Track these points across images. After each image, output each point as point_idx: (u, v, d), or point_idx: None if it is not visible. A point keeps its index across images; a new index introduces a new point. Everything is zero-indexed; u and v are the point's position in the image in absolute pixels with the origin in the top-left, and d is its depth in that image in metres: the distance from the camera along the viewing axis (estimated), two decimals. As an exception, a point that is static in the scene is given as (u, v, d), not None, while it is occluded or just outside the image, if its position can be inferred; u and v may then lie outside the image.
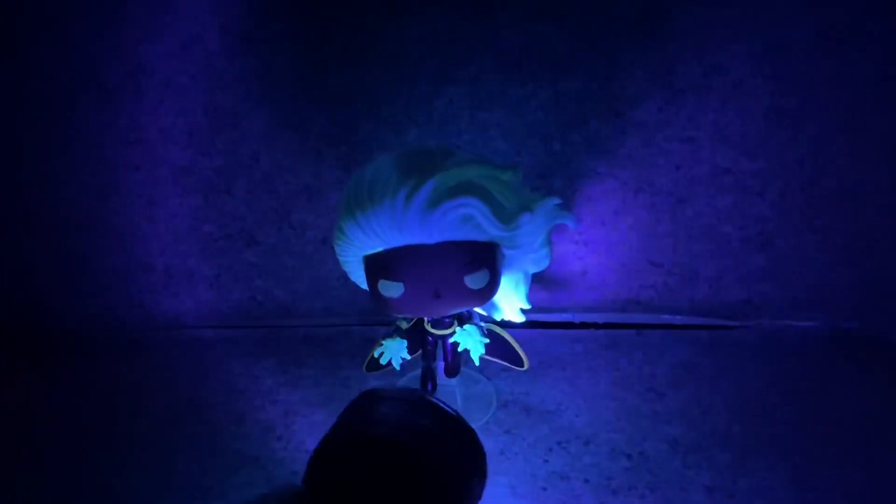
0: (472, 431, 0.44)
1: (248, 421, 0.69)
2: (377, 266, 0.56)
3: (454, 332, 0.63)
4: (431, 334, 0.65)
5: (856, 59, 0.72)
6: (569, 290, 0.85)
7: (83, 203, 0.84)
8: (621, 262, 0.84)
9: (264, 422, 0.69)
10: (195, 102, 0.78)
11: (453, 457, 0.42)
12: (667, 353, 0.80)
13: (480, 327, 0.64)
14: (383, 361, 0.64)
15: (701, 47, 0.72)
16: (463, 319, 0.64)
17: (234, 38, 0.75)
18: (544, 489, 0.59)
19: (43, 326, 0.90)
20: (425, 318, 0.64)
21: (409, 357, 0.65)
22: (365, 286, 0.61)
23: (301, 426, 0.68)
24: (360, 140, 0.79)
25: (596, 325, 0.86)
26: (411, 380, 0.72)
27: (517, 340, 0.68)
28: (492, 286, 0.57)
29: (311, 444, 0.46)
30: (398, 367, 0.65)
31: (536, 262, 0.61)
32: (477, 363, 0.64)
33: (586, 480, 0.59)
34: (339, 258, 0.60)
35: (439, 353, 0.67)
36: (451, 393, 0.70)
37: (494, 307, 0.65)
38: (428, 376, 0.68)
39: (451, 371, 0.68)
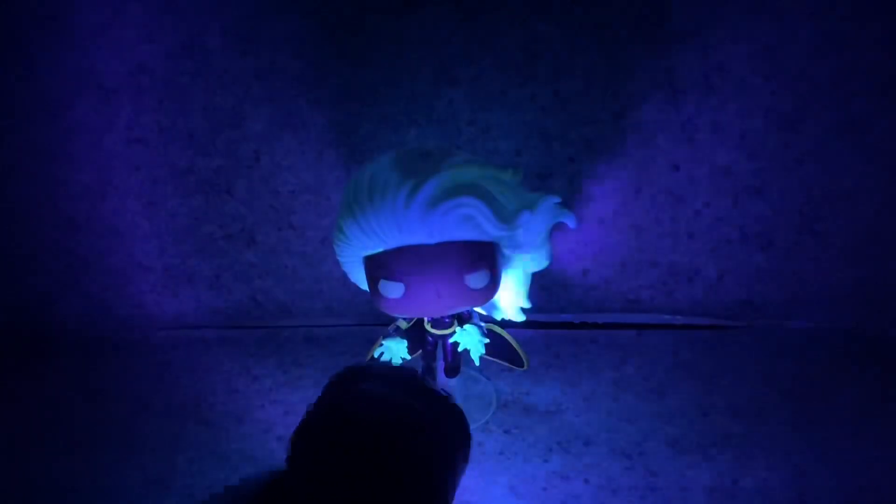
0: (455, 407, 0.44)
1: (248, 421, 0.70)
2: (377, 266, 0.56)
3: (454, 332, 0.63)
4: (431, 334, 0.65)
5: (856, 59, 0.72)
6: (569, 290, 0.85)
7: (83, 203, 0.84)
8: (621, 262, 0.84)
9: (264, 422, 0.69)
10: (195, 102, 0.78)
11: (436, 432, 0.41)
12: (667, 353, 0.80)
13: (480, 327, 0.64)
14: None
15: (701, 47, 0.72)
16: (463, 319, 0.64)
17: (234, 38, 0.75)
18: (544, 489, 0.59)
19: (43, 326, 0.90)
20: (425, 318, 0.64)
21: (409, 357, 0.65)
22: (365, 286, 0.61)
23: (301, 426, 0.68)
24: (360, 140, 0.79)
25: (596, 325, 0.86)
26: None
27: (517, 340, 0.68)
28: (492, 286, 0.57)
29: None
30: (398, 367, 0.65)
31: (536, 261, 0.61)
32: (477, 363, 0.64)
33: (586, 480, 0.59)
34: (339, 258, 0.60)
35: (439, 353, 0.67)
36: (451, 393, 0.70)
37: (494, 307, 0.65)
38: (428, 376, 0.68)
39: (451, 371, 0.68)
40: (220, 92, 0.77)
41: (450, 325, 0.64)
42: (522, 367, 0.69)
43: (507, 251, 0.58)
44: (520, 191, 0.57)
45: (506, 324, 0.67)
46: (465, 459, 0.44)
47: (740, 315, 0.85)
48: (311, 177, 0.81)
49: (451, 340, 0.64)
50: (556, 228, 0.59)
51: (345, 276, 0.63)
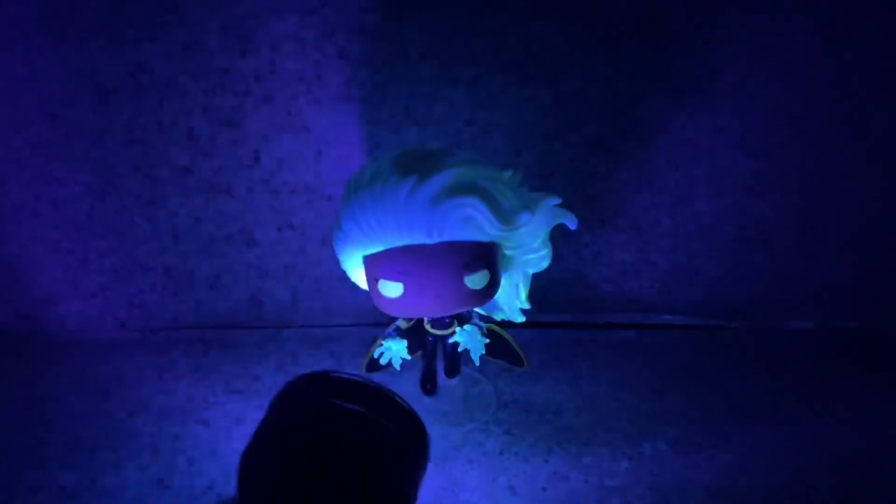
0: (415, 418, 0.41)
1: (248, 421, 0.69)
2: (377, 266, 0.56)
3: (454, 332, 0.63)
4: (431, 334, 0.65)
5: (856, 59, 0.72)
6: (569, 290, 0.85)
7: (83, 203, 0.84)
8: (621, 262, 0.84)
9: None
10: (195, 102, 0.78)
11: (398, 448, 0.39)
12: (667, 353, 0.80)
13: (480, 327, 0.64)
14: (383, 362, 0.64)
15: (701, 47, 0.72)
16: (463, 319, 0.64)
17: (234, 38, 0.75)
18: (544, 489, 0.59)
19: (43, 326, 0.90)
20: (425, 318, 0.64)
21: (408, 357, 0.65)
22: (365, 286, 0.61)
23: (301, 426, 0.68)
24: (360, 140, 0.79)
25: (596, 325, 0.86)
26: (411, 380, 0.72)
27: (517, 340, 0.68)
28: (492, 286, 0.57)
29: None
30: (398, 368, 0.65)
31: (537, 262, 0.61)
32: (477, 363, 0.64)
33: (586, 480, 0.59)
34: (339, 258, 0.60)
35: (439, 352, 0.67)
36: (451, 393, 0.70)
37: (495, 307, 0.65)
38: (428, 376, 0.68)
39: (451, 371, 0.68)
40: (220, 92, 0.77)
41: (450, 325, 0.64)
42: (522, 367, 0.69)
43: (507, 251, 0.58)
44: (520, 191, 0.57)
45: (506, 324, 0.67)
46: (424, 469, 0.42)
47: (740, 315, 0.85)
48: (311, 177, 0.81)
49: (451, 340, 0.64)
50: (557, 229, 0.59)
51: (345, 276, 0.63)
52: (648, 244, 0.82)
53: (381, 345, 0.64)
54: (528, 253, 0.59)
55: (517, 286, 0.63)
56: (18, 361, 0.85)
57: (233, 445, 0.66)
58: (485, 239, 0.55)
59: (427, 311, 0.60)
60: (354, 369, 0.76)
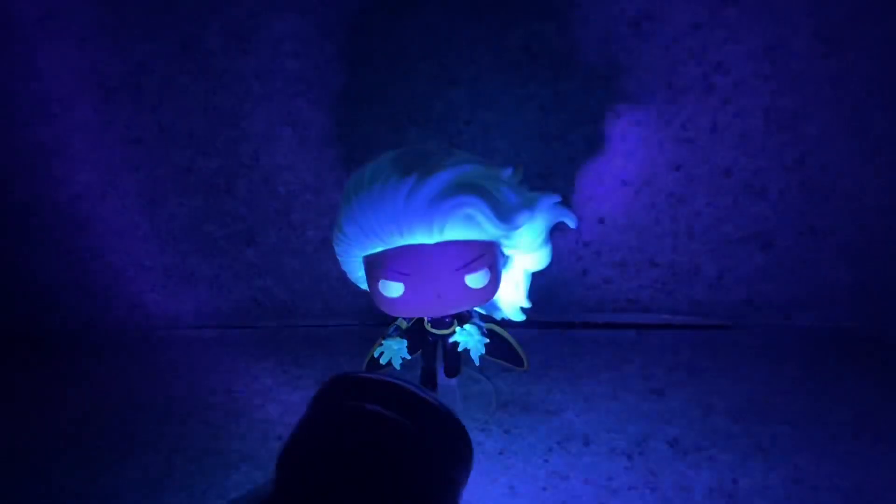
0: (452, 418, 0.41)
1: (248, 421, 0.69)
2: (377, 266, 0.56)
3: (454, 332, 0.63)
4: (431, 334, 0.65)
5: (856, 59, 0.72)
6: (569, 290, 0.85)
7: (83, 203, 0.84)
8: (621, 262, 0.84)
9: (264, 422, 0.69)
10: (195, 102, 0.78)
11: (432, 449, 0.39)
12: (667, 353, 0.80)
13: (480, 327, 0.64)
14: (383, 361, 0.64)
15: (701, 47, 0.72)
16: (463, 319, 0.64)
17: (234, 38, 0.75)
18: (544, 489, 0.59)
19: (43, 326, 0.90)
20: (425, 318, 0.64)
21: (409, 357, 0.65)
22: (365, 286, 0.61)
23: (301, 426, 0.68)
24: (360, 140, 0.79)
25: (596, 325, 0.86)
26: (411, 380, 0.72)
27: (517, 340, 0.68)
28: (492, 286, 0.57)
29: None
30: (398, 367, 0.65)
31: (536, 261, 0.61)
32: (477, 363, 0.64)
33: (586, 480, 0.59)
34: (339, 258, 0.60)
35: (439, 352, 0.67)
36: (451, 393, 0.70)
37: (495, 307, 0.65)
38: (428, 376, 0.68)
39: (451, 371, 0.68)
40: (220, 92, 0.77)
41: (450, 325, 0.64)
42: (522, 367, 0.69)
43: (507, 251, 0.58)
44: (520, 190, 0.57)
45: (506, 324, 0.67)
46: (467, 472, 0.42)
47: (740, 315, 0.85)
48: (311, 177, 0.81)
49: (451, 340, 0.64)
50: (557, 228, 0.59)
51: (345, 276, 0.63)
52: (648, 244, 0.82)
53: (382, 344, 0.64)
54: (528, 252, 0.59)
55: (517, 285, 0.63)
56: (19, 361, 0.85)
57: (233, 445, 0.66)
58: (485, 238, 0.55)
59: (427, 310, 0.60)
60: (354, 369, 0.77)
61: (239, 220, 0.84)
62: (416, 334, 0.66)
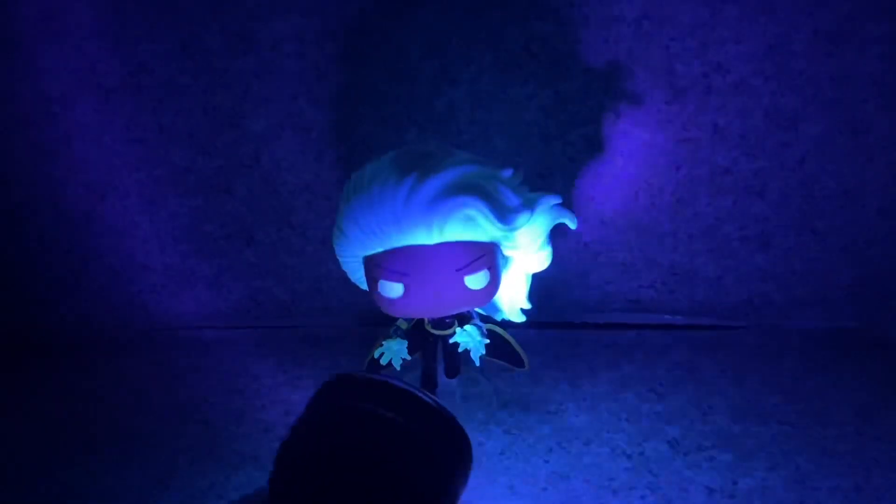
0: (451, 420, 0.41)
1: (248, 421, 0.69)
2: (377, 266, 0.56)
3: (454, 333, 0.63)
4: (432, 334, 0.65)
5: (856, 59, 0.72)
6: (569, 290, 0.85)
7: (83, 203, 0.84)
8: (621, 262, 0.84)
9: (264, 422, 0.69)
10: (195, 102, 0.78)
11: (430, 451, 0.39)
12: (667, 353, 0.80)
13: (481, 327, 0.64)
14: (383, 362, 0.64)
15: (701, 47, 0.72)
16: (463, 319, 0.64)
17: (234, 38, 0.75)
18: (544, 489, 0.59)
19: (43, 326, 0.90)
20: (425, 318, 0.64)
21: (409, 357, 0.65)
22: (365, 286, 0.61)
23: (301, 426, 0.68)
24: (360, 140, 0.79)
25: (596, 325, 0.86)
26: (411, 380, 0.72)
27: (517, 340, 0.68)
28: (492, 287, 0.57)
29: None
30: (398, 368, 0.65)
31: (537, 262, 0.61)
32: (477, 363, 0.64)
33: (586, 480, 0.59)
34: (339, 258, 0.60)
35: (439, 353, 0.67)
36: (451, 393, 0.70)
37: (495, 307, 0.65)
38: (428, 376, 0.68)
39: (451, 371, 0.68)
40: (220, 92, 0.77)
41: (450, 326, 0.64)
42: (522, 367, 0.69)
43: (507, 251, 0.58)
44: (520, 191, 0.57)
45: (506, 324, 0.67)
46: (465, 475, 0.42)
47: (740, 315, 0.85)
48: (311, 177, 0.81)
49: (451, 341, 0.64)
50: (557, 228, 0.59)
51: (345, 276, 0.63)
52: (648, 244, 0.82)
53: (382, 345, 0.64)
54: (529, 253, 0.59)
55: (517, 286, 0.63)
56: (19, 361, 0.85)
57: (233, 445, 0.65)
58: (485, 239, 0.55)
59: (427, 311, 0.60)
60: (354, 370, 0.76)
61: (239, 220, 0.84)
62: (417, 335, 0.66)
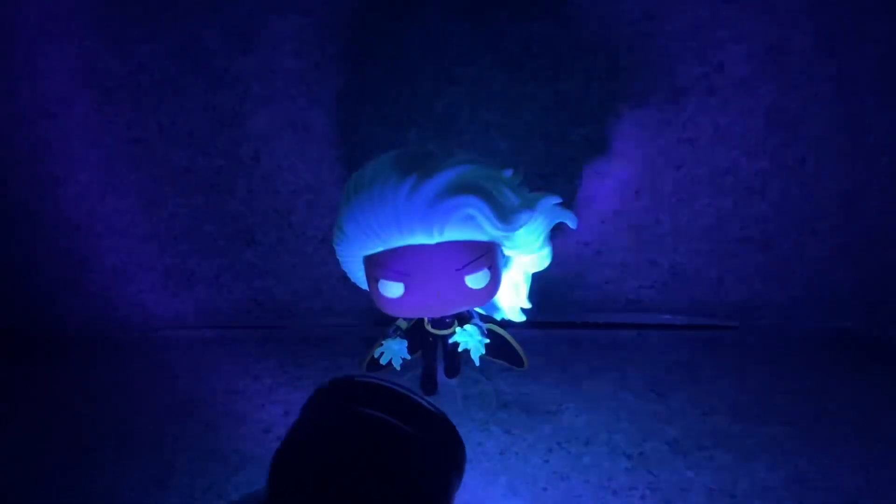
0: (447, 423, 0.41)
1: (248, 421, 0.69)
2: (377, 266, 0.56)
3: (454, 332, 0.63)
4: (432, 334, 0.65)
5: (856, 59, 0.72)
6: (569, 290, 0.85)
7: (83, 203, 0.84)
8: (621, 262, 0.84)
9: (264, 422, 0.69)
10: (195, 102, 0.78)
11: (428, 454, 0.39)
12: (667, 353, 0.80)
13: (481, 327, 0.64)
14: (383, 361, 0.64)
15: (701, 47, 0.72)
16: (463, 319, 0.64)
17: (234, 38, 0.75)
18: (544, 489, 0.59)
19: (43, 326, 0.90)
20: (425, 318, 0.64)
21: (409, 357, 0.65)
22: (365, 286, 0.61)
23: (301, 426, 0.68)
24: (360, 140, 0.79)
25: (596, 325, 0.86)
26: (411, 380, 0.72)
27: (517, 340, 0.68)
28: (492, 286, 0.57)
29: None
30: (398, 368, 0.65)
31: (537, 261, 0.61)
32: (477, 363, 0.64)
33: (586, 480, 0.59)
34: (340, 258, 0.60)
35: (439, 353, 0.67)
36: (451, 393, 0.70)
37: (495, 307, 0.65)
38: (428, 376, 0.68)
39: (451, 371, 0.68)
40: (220, 92, 0.77)
41: (450, 325, 0.64)
42: (522, 367, 0.69)
43: (507, 251, 0.58)
44: (520, 191, 0.57)
45: (506, 324, 0.67)
46: (459, 477, 0.42)
47: (740, 315, 0.85)
48: (311, 177, 0.81)
49: (451, 340, 0.64)
50: (557, 228, 0.59)
51: (345, 276, 0.63)
52: (648, 244, 0.82)
53: (382, 345, 0.64)
54: (529, 252, 0.59)
55: (517, 286, 0.63)
56: (18, 361, 0.85)
57: (233, 445, 0.65)
58: (485, 239, 0.55)
59: (428, 311, 0.60)
60: (354, 369, 0.77)
61: (239, 220, 0.84)
62: (417, 334, 0.66)
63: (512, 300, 0.64)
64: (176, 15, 0.74)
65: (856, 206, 0.78)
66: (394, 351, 0.64)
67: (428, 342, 0.66)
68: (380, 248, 0.55)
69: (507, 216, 0.54)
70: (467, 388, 0.72)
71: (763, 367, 0.76)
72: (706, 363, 0.77)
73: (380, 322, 0.66)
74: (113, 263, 0.87)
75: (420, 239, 0.53)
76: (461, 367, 0.69)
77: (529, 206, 0.55)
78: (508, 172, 0.56)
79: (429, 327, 0.64)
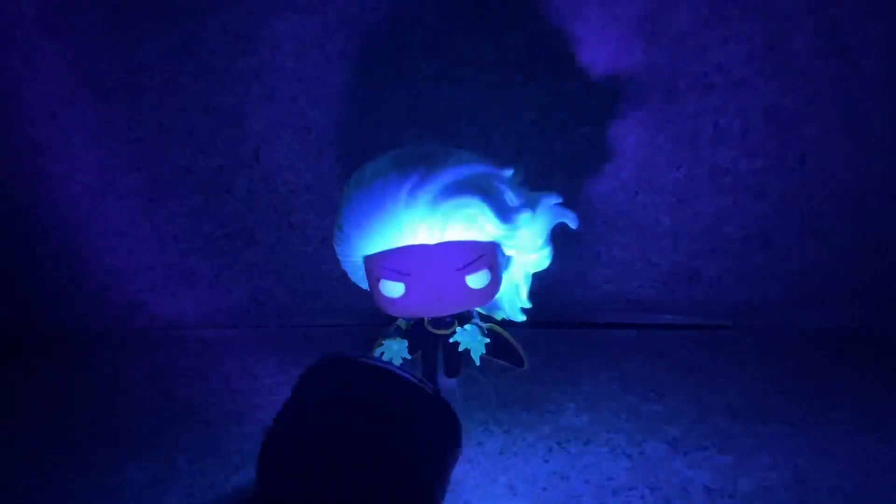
0: (440, 400, 0.41)
1: (248, 421, 0.69)
2: (377, 266, 0.56)
3: (454, 332, 0.63)
4: (432, 334, 0.65)
5: (856, 59, 0.72)
6: (569, 290, 0.85)
7: (83, 203, 0.84)
8: (621, 262, 0.84)
9: (264, 422, 0.69)
10: (195, 102, 0.78)
11: (420, 432, 0.39)
12: (667, 353, 0.80)
13: (481, 327, 0.64)
14: (383, 361, 0.64)
15: (701, 47, 0.72)
16: (463, 319, 0.64)
17: (234, 38, 0.75)
18: (544, 489, 0.59)
19: (43, 326, 0.90)
20: (426, 318, 0.64)
21: (409, 357, 0.65)
22: (365, 286, 0.61)
23: (301, 426, 0.68)
24: (360, 140, 0.79)
25: (596, 325, 0.86)
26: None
27: (517, 340, 0.68)
28: (493, 286, 0.57)
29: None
30: (398, 367, 0.65)
31: (537, 261, 0.61)
32: (477, 363, 0.64)
33: (586, 480, 0.59)
34: (339, 258, 0.60)
35: (440, 352, 0.67)
36: (451, 393, 0.70)
37: (495, 307, 0.65)
38: (428, 376, 0.68)
39: (452, 371, 0.68)
40: (220, 92, 0.77)
41: (450, 325, 0.64)
42: (522, 367, 0.69)
43: (507, 251, 0.58)
44: (521, 190, 0.57)
45: (506, 324, 0.67)
46: (455, 454, 0.42)
47: (740, 315, 0.85)
48: (311, 177, 0.81)
49: (451, 340, 0.64)
50: (557, 228, 0.59)
51: (345, 276, 0.63)
52: (648, 244, 0.82)
53: (382, 344, 0.64)
54: (529, 252, 0.59)
55: (518, 286, 0.63)
56: (19, 361, 0.85)
57: (233, 445, 0.65)
58: (486, 238, 0.55)
59: (428, 310, 0.60)
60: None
61: (239, 220, 0.84)
62: (417, 334, 0.66)
63: (512, 300, 0.64)
64: (176, 15, 0.74)
65: (856, 206, 0.78)
66: (394, 350, 0.64)
67: (428, 342, 0.66)
68: (380, 248, 0.55)
69: (507, 216, 0.54)
70: (467, 388, 0.72)
71: (763, 366, 0.76)
72: (706, 363, 0.77)
73: (380, 322, 0.66)
74: (113, 263, 0.87)
75: (420, 238, 0.53)
76: (461, 367, 0.69)
77: (530, 205, 0.55)
78: (509, 172, 0.56)
79: (429, 327, 0.64)
